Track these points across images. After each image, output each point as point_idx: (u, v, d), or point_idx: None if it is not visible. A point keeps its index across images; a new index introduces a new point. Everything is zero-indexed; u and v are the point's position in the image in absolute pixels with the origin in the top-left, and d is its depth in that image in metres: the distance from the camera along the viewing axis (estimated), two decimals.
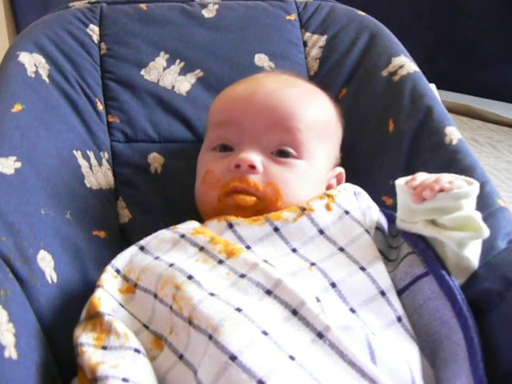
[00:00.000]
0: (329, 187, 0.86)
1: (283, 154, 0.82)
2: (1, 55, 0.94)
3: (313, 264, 0.72)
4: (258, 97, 0.84)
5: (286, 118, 0.82)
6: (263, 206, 0.79)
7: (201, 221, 0.81)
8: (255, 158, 0.80)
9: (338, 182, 0.88)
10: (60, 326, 0.71)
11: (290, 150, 0.82)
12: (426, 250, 0.71)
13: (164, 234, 0.77)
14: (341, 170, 0.89)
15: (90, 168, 0.91)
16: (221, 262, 0.71)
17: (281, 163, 0.81)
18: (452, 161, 0.85)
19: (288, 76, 0.92)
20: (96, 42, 1.02)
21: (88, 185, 0.90)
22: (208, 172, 0.83)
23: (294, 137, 0.82)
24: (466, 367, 0.63)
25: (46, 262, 0.73)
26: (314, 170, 0.83)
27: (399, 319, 0.68)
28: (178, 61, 1.03)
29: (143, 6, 1.06)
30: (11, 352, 0.60)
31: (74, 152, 0.89)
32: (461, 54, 2.24)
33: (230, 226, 0.76)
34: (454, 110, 2.18)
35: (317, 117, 0.85)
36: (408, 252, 0.73)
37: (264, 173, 0.80)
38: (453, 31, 2.23)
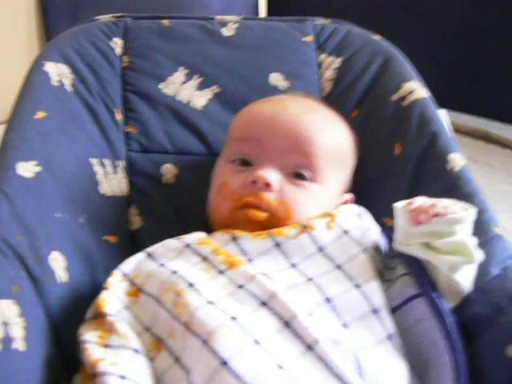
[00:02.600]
0: None
1: (299, 176, 0.85)
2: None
3: (310, 279, 0.74)
4: (282, 119, 0.86)
5: (305, 142, 0.85)
6: (273, 222, 0.81)
7: (210, 232, 0.84)
8: (272, 176, 0.83)
9: None
10: (68, 324, 0.74)
11: (306, 174, 0.85)
12: (420, 272, 0.73)
13: (171, 242, 0.80)
14: (349, 196, 0.92)
15: (105, 175, 0.95)
16: (221, 272, 0.74)
17: (296, 185, 0.84)
18: (453, 187, 0.86)
19: (311, 101, 0.95)
20: (118, 54, 1.05)
21: (102, 191, 0.93)
22: (224, 184, 0.86)
23: (311, 161, 0.85)
24: None
25: (56, 262, 0.77)
26: (325, 195, 0.86)
27: (390, 337, 0.70)
28: (195, 76, 1.05)
29: (165, 21, 1.10)
30: (19, 344, 0.64)
31: (91, 159, 0.93)
32: (483, 77, 2.23)
33: (234, 238, 0.79)
34: (470, 134, 2.19)
35: (334, 145, 0.88)
36: (403, 273, 0.75)
37: (279, 192, 0.83)
38: (475, 53, 2.23)
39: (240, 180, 0.84)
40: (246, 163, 0.87)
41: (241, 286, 0.72)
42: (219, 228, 0.84)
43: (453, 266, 0.71)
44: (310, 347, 0.65)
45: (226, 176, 0.87)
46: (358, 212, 0.84)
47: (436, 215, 0.72)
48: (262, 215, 0.82)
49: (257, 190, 0.82)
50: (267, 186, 0.82)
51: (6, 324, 0.64)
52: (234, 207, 0.83)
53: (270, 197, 0.82)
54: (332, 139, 0.88)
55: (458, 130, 2.07)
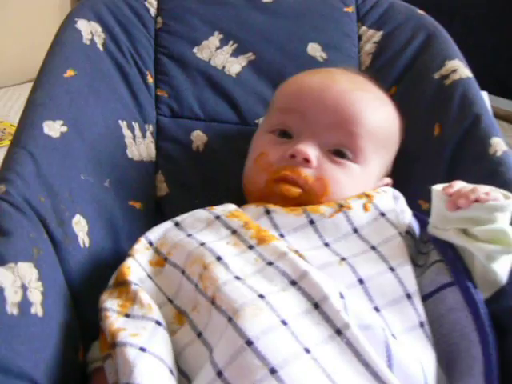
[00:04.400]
0: None
1: (340, 154, 0.82)
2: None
3: (343, 259, 0.72)
4: (330, 94, 0.83)
5: (351, 121, 0.82)
6: (307, 199, 0.79)
7: (238, 202, 0.82)
8: (312, 151, 0.80)
9: None
10: (87, 290, 0.73)
11: (348, 152, 0.82)
12: (455, 260, 0.70)
13: (200, 213, 0.78)
14: (389, 180, 0.89)
15: (134, 139, 0.93)
16: (251, 247, 0.72)
17: (335, 162, 0.81)
18: (494, 172, 0.83)
19: (362, 78, 0.91)
20: (153, 15, 1.03)
21: (130, 155, 0.91)
22: (262, 154, 0.84)
23: (354, 141, 0.82)
24: (480, 383, 0.62)
25: (80, 226, 0.76)
26: (365, 176, 0.83)
27: (421, 324, 0.68)
28: (231, 42, 1.03)
29: None
30: (37, 309, 0.62)
31: (120, 122, 0.91)
32: None
33: (267, 212, 0.77)
34: (508, 118, 2.13)
35: (381, 126, 0.85)
36: (436, 259, 0.72)
37: (317, 168, 0.80)
38: None
39: (279, 152, 0.82)
40: (286, 135, 0.84)
41: (270, 263, 0.69)
42: (252, 199, 0.82)
43: (490, 255, 0.68)
44: (339, 331, 0.62)
45: (265, 146, 0.84)
46: (394, 195, 0.81)
47: (476, 201, 0.69)
48: (297, 191, 0.79)
49: (295, 164, 0.80)
50: (306, 161, 0.80)
51: (24, 288, 0.62)
52: (269, 180, 0.81)
53: (307, 172, 0.80)
54: (379, 120, 0.85)
55: (497, 114, 2.01)
